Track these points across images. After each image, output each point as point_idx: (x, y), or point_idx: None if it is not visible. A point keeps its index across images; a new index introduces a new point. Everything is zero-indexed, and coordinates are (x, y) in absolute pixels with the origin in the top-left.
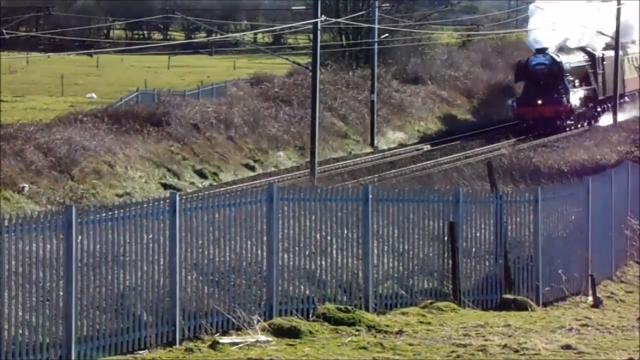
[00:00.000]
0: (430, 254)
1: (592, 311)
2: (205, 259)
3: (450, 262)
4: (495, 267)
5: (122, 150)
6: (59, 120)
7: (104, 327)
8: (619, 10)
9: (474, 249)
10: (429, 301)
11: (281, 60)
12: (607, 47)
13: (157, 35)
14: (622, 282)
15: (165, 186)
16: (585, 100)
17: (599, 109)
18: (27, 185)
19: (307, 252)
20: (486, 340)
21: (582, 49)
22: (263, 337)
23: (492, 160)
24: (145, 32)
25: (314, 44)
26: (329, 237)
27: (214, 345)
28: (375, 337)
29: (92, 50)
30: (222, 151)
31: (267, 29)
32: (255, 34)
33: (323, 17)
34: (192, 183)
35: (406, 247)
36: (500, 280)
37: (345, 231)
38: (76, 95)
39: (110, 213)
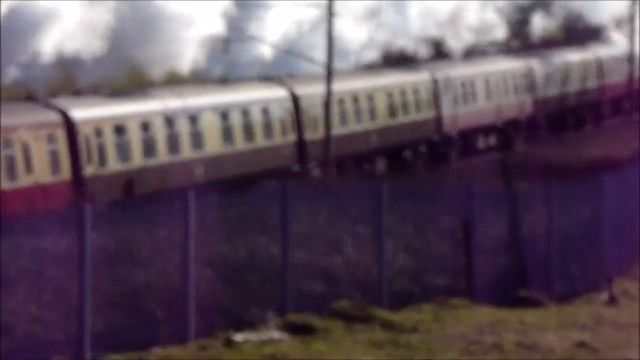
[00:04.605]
0: (444, 251)
1: (606, 308)
2: (218, 256)
3: (465, 259)
4: (509, 264)
5: None
6: None
7: (117, 324)
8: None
9: (488, 246)
10: (443, 298)
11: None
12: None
13: None
14: (636, 279)
15: None
16: None
17: None
18: None
19: (321, 249)
20: (500, 337)
21: None
22: (277, 334)
23: (507, 158)
24: None
25: (329, 40)
26: (342, 234)
27: (227, 342)
28: (389, 334)
29: None
30: None
31: None
32: None
33: None
34: None
35: (420, 244)
36: (514, 277)
37: (359, 228)
38: None
39: (124, 209)
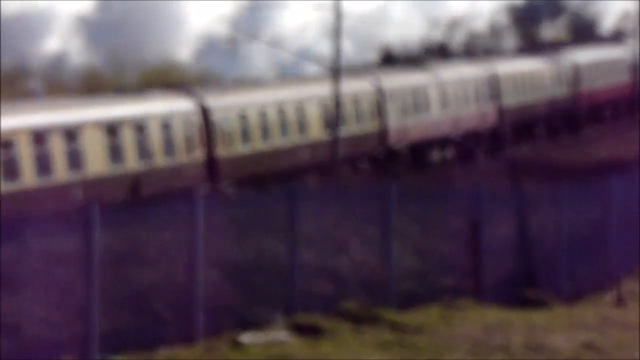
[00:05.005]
0: (452, 251)
1: (613, 309)
2: (225, 256)
3: (472, 259)
4: (516, 265)
5: None
6: None
7: (124, 325)
8: None
9: (495, 247)
10: (450, 299)
11: None
12: None
13: None
14: None
15: None
16: None
17: None
18: None
19: (328, 250)
20: (507, 338)
21: None
22: (284, 335)
23: (515, 158)
24: None
25: (336, 41)
26: (350, 235)
27: (234, 342)
28: (396, 334)
29: None
30: None
31: None
32: None
33: None
34: None
35: (427, 244)
36: (521, 278)
37: (367, 229)
38: None
39: (131, 210)
